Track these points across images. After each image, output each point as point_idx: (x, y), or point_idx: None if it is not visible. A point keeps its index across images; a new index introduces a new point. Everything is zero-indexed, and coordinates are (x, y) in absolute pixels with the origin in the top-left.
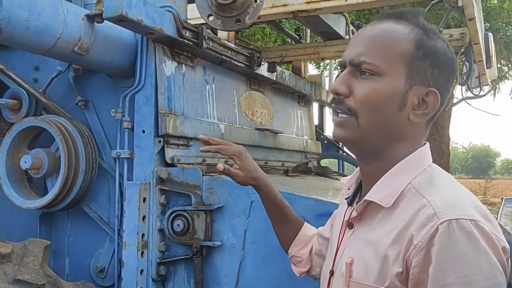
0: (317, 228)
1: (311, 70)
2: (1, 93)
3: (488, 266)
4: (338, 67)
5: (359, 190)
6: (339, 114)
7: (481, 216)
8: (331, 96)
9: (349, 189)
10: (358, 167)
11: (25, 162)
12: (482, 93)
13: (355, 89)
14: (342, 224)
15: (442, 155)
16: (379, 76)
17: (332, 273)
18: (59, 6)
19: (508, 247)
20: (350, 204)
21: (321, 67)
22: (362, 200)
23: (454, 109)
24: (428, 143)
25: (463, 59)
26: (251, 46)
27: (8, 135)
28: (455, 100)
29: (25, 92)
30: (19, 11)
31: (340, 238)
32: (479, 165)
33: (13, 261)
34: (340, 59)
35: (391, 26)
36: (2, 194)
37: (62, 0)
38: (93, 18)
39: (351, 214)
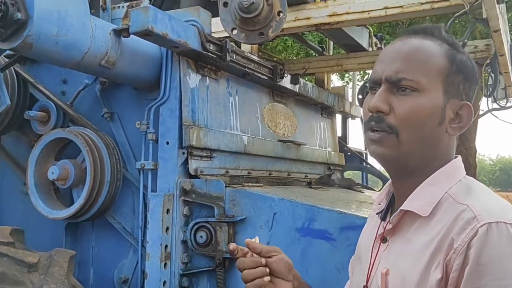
0: None
1: (335, 81)
2: (30, 105)
3: None
4: (367, 84)
5: (391, 206)
6: (377, 131)
7: None
8: (354, 107)
9: (379, 204)
10: (389, 182)
11: (52, 173)
12: (508, 104)
13: (396, 106)
14: (375, 238)
15: (468, 168)
16: (419, 92)
17: None
18: (87, 22)
19: None
20: (383, 219)
21: (345, 79)
22: (398, 210)
23: (480, 120)
24: (459, 156)
25: (489, 70)
26: (274, 59)
27: (36, 146)
28: (480, 112)
29: (53, 104)
30: (49, 27)
31: (375, 253)
32: (507, 178)
33: (40, 270)
34: (363, 71)
35: (423, 42)
36: (29, 204)
37: (90, 15)
38: (120, 33)
39: (385, 227)
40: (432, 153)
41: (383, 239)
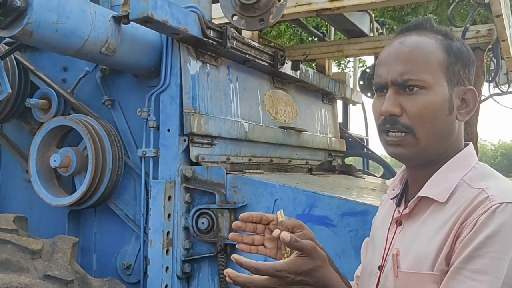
0: None
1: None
2: (31, 93)
3: None
4: (375, 90)
5: (404, 191)
6: (393, 133)
7: None
8: (355, 93)
9: (393, 189)
10: (402, 169)
11: (54, 160)
12: (510, 89)
13: (407, 107)
14: (391, 222)
15: None
16: (426, 89)
17: (381, 268)
18: (87, 9)
19: None
20: (397, 204)
21: (341, 65)
22: (415, 196)
23: (482, 106)
24: (471, 143)
25: (491, 55)
26: (272, 44)
27: (38, 134)
28: (482, 97)
29: (54, 92)
30: (49, 15)
31: (391, 236)
32: (509, 163)
33: (43, 257)
34: (362, 56)
35: (419, 40)
36: (32, 191)
37: (90, 2)
38: (120, 20)
39: (401, 212)
40: (447, 142)
41: (399, 223)
